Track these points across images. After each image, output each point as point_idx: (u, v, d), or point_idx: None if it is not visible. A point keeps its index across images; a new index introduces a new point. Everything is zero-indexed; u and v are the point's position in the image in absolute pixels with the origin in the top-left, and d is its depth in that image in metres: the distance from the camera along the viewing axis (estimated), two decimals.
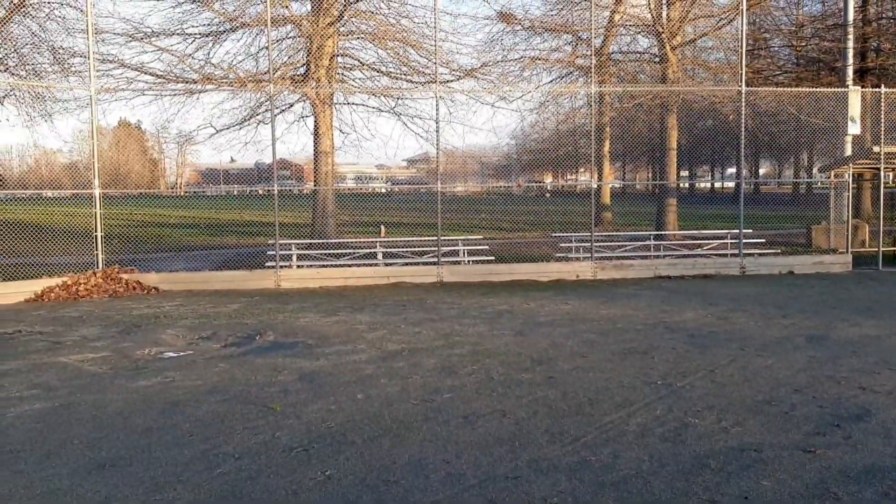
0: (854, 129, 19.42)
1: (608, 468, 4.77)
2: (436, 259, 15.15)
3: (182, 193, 65.15)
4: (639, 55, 23.02)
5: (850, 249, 15.66)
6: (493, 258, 15.86)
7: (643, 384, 6.79)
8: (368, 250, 16.46)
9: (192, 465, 4.94)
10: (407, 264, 15.50)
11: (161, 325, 10.21)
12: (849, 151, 20.61)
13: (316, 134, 19.15)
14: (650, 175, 50.08)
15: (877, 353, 7.94)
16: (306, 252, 16.08)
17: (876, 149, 15.36)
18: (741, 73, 15.44)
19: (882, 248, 15.91)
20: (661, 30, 19.92)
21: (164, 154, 61.15)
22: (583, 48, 23.32)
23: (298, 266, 15.45)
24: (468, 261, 15.87)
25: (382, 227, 24.33)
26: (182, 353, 8.44)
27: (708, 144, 48.92)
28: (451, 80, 17.95)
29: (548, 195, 60.24)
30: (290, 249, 15.69)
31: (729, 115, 18.81)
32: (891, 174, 17.74)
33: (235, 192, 56.26)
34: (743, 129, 15.29)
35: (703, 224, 22.61)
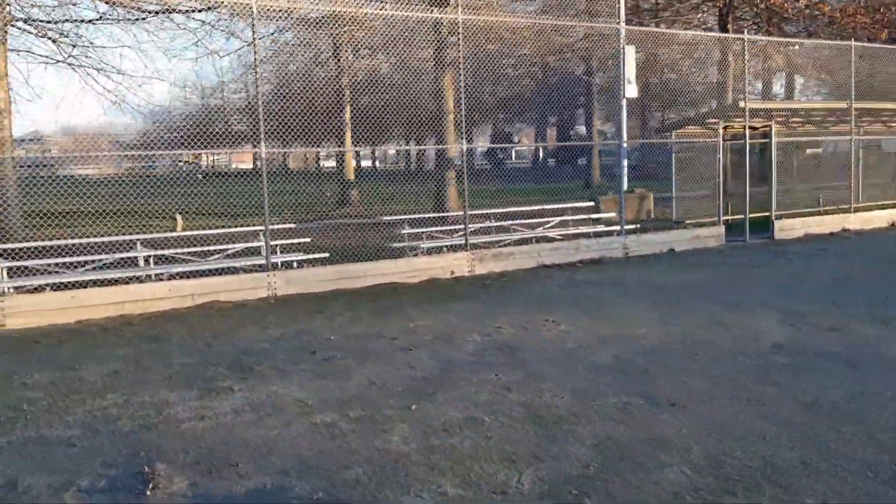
0: (631, 91, 17.95)
1: None
2: (263, 262, 9.91)
3: None
4: None
5: (721, 220, 13.83)
6: (326, 255, 10.95)
7: None
8: (128, 254, 10.25)
9: None
10: (212, 273, 9.92)
11: None
12: (624, 116, 19.28)
13: None
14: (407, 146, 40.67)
15: None
16: (20, 263, 9.46)
17: (741, 104, 13.63)
18: (619, 8, 12.59)
19: (734, 217, 14.33)
20: None
21: None
22: None
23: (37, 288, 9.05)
24: (296, 262, 10.75)
25: (179, 217, 16.78)
26: None
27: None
28: None
29: (200, 176, 52.80)
30: None
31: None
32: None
33: None
34: (624, 79, 12.57)
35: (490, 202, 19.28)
